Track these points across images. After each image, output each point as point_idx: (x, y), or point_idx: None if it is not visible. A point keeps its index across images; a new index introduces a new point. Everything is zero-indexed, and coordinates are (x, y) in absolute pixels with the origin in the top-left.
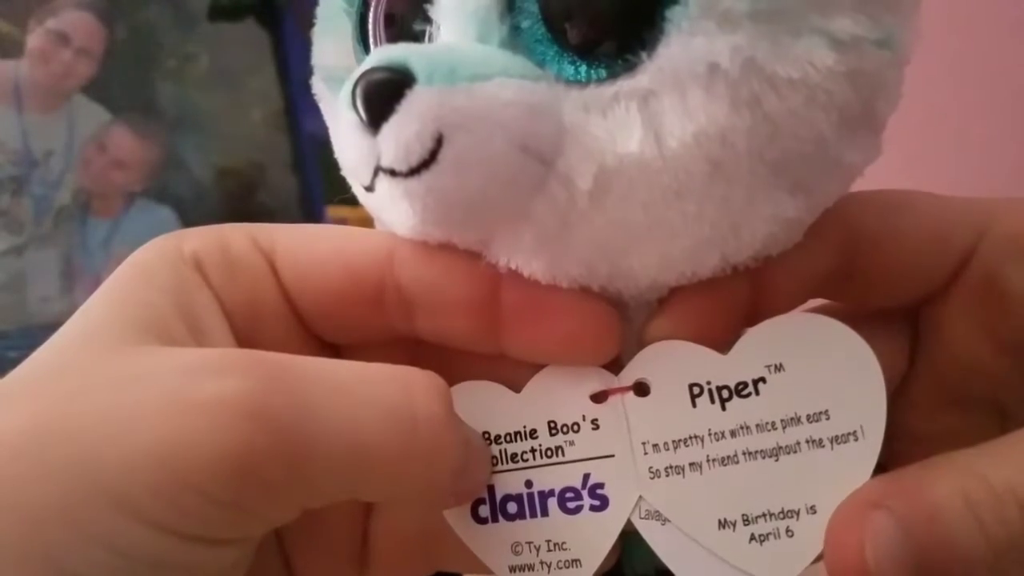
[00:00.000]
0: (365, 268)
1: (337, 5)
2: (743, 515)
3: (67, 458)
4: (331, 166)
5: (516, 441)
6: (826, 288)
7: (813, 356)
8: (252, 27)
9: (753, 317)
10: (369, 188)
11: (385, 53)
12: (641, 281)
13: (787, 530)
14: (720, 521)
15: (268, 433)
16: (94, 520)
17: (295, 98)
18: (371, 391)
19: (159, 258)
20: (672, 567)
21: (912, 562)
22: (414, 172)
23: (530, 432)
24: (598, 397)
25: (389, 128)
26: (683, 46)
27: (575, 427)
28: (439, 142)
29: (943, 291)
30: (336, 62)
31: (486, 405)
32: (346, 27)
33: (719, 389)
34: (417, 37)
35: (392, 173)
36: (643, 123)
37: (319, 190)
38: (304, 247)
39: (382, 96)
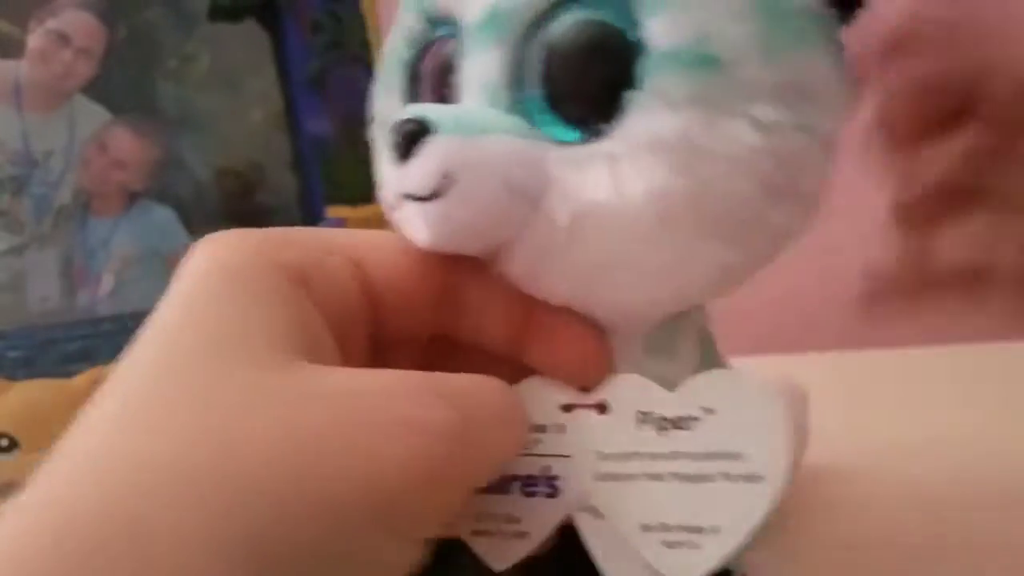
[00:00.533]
0: (435, 272)
1: (394, 69)
2: (661, 523)
3: (267, 477)
4: (331, 166)
5: None
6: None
7: (739, 407)
8: (252, 27)
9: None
10: (396, 210)
11: (416, 108)
12: (612, 310)
13: (693, 543)
14: (643, 525)
15: (464, 458)
16: (315, 535)
17: (295, 98)
18: (507, 413)
19: (256, 268)
20: (594, 553)
21: None
22: (428, 199)
23: None
24: (567, 408)
25: (413, 164)
26: (639, 121)
27: (543, 428)
28: (449, 179)
29: None
30: (391, 114)
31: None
32: (397, 86)
33: (661, 419)
34: (444, 99)
35: (413, 198)
36: (609, 178)
37: (319, 190)
38: (390, 257)
39: (409, 140)
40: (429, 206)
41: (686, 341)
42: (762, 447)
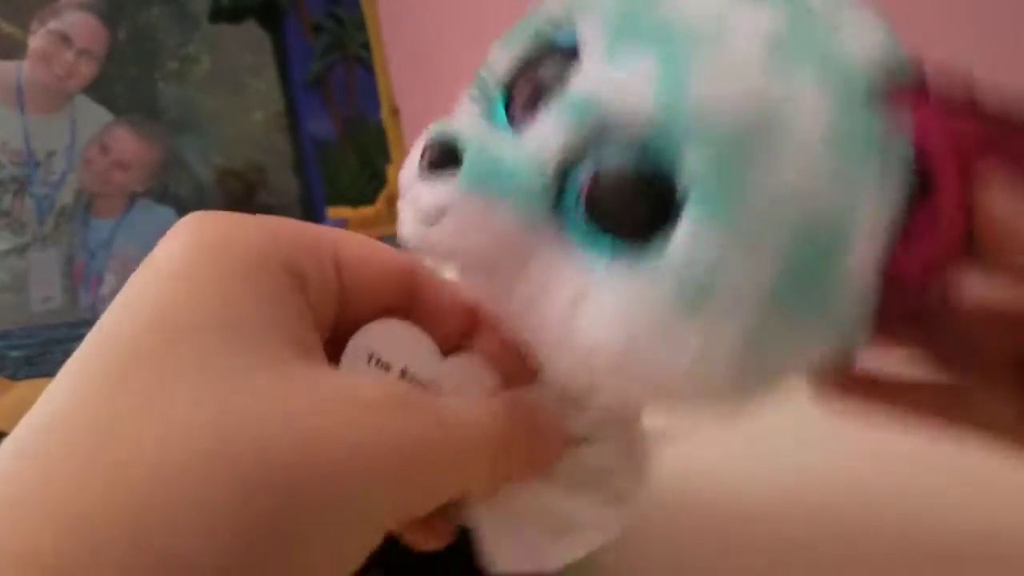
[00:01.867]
0: (403, 273)
1: (525, 34)
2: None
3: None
4: (332, 167)
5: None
6: None
7: (620, 438)
8: (253, 28)
9: None
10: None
11: (462, 132)
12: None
13: (574, 531)
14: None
15: (508, 464)
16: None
17: (296, 99)
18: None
19: (260, 262)
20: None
21: None
22: (428, 215)
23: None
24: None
25: (428, 184)
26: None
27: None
28: (444, 213)
29: None
30: (490, 75)
31: (415, 346)
32: (516, 53)
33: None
34: (534, 102)
35: (415, 205)
36: (574, 303)
37: (320, 191)
38: (362, 249)
39: (439, 159)
40: (427, 225)
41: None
42: (630, 473)
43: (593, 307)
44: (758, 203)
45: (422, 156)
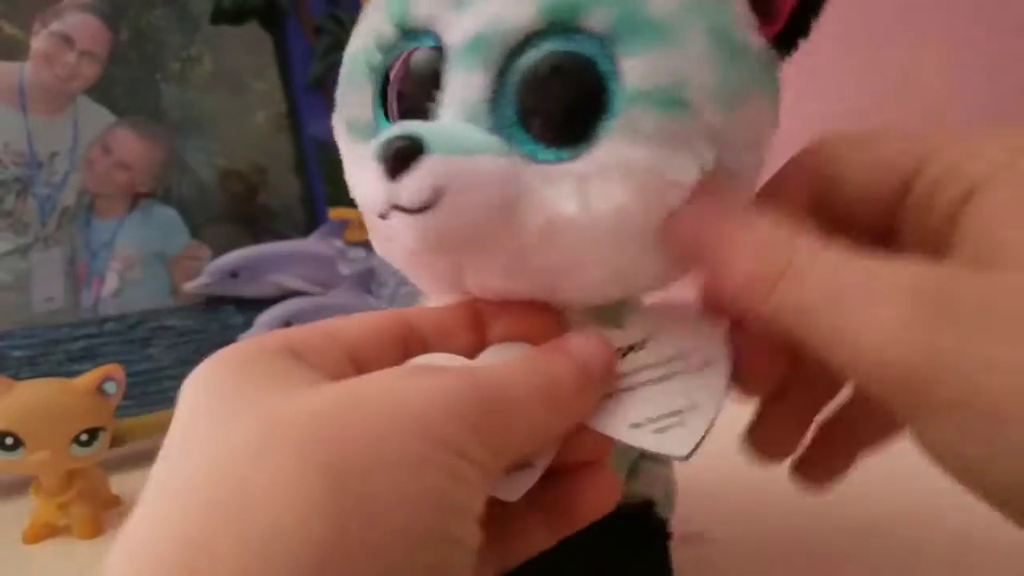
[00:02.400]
0: (394, 329)
1: (362, 71)
2: (647, 418)
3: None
4: (334, 168)
5: None
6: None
7: (677, 321)
8: (255, 30)
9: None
10: (383, 216)
11: (406, 127)
12: (573, 299)
13: (680, 422)
14: (632, 424)
15: (477, 402)
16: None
17: (298, 101)
18: (537, 382)
19: (247, 356)
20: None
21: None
22: (420, 211)
23: None
24: None
25: (407, 179)
26: (610, 148)
27: None
28: (439, 193)
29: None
30: (359, 114)
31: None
32: (367, 89)
33: (618, 349)
34: (422, 113)
35: (405, 210)
36: (577, 194)
37: (322, 192)
38: (362, 332)
39: (402, 158)
40: (420, 217)
41: (625, 313)
42: (703, 340)
43: (590, 189)
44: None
45: (386, 169)
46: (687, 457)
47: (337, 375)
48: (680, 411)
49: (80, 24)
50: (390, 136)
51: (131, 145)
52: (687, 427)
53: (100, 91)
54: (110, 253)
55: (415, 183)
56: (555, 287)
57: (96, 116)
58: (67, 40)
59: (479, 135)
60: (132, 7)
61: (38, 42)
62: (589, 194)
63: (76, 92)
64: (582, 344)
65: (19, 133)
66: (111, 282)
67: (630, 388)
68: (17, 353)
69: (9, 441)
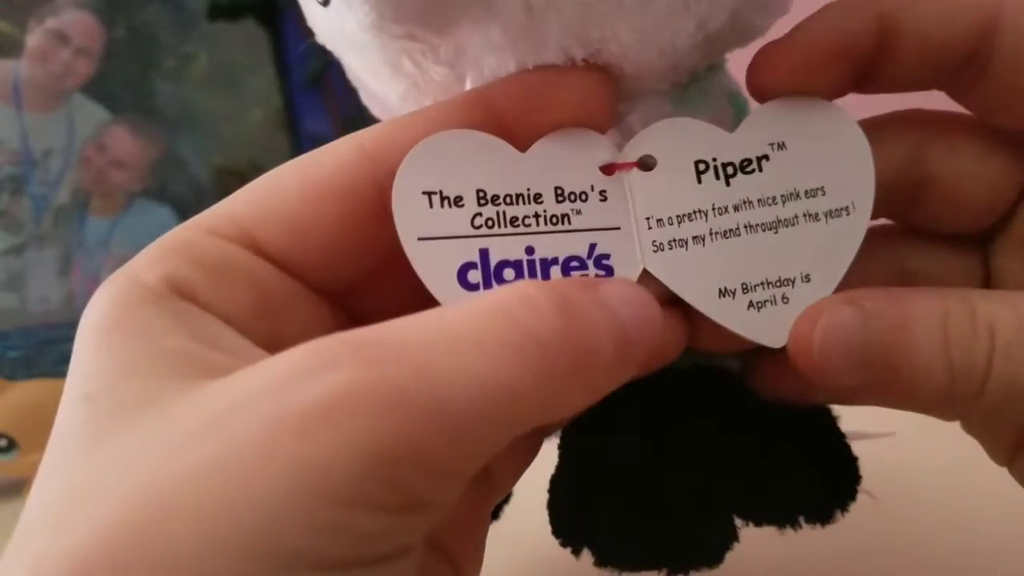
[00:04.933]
0: (336, 178)
1: None
2: (743, 284)
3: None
4: None
5: (518, 204)
6: (949, 82)
7: (813, 137)
8: (251, 27)
9: (866, 82)
10: (325, 3)
11: None
12: (624, 62)
13: (783, 297)
14: (720, 290)
15: (407, 415)
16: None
17: (295, 98)
18: (479, 327)
19: (121, 307)
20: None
21: (860, 354)
22: None
23: (535, 196)
24: (607, 169)
25: None
26: None
27: (583, 196)
28: None
29: None
30: None
31: (486, 160)
32: None
33: (724, 165)
34: None
35: None
36: None
37: None
38: (271, 205)
39: None
40: None
41: (718, 97)
42: (846, 177)
43: None
44: None
45: None
46: (780, 350)
47: (246, 321)
48: (792, 279)
49: (75, 21)
50: None
51: (126, 143)
52: (792, 305)
53: (95, 88)
54: (105, 252)
55: None
56: (592, 50)
57: (91, 114)
58: (62, 37)
59: None
60: (127, 4)
61: (33, 39)
62: None
63: (71, 89)
64: (618, 291)
65: (14, 131)
66: None
67: (726, 232)
68: (12, 354)
69: (3, 443)
